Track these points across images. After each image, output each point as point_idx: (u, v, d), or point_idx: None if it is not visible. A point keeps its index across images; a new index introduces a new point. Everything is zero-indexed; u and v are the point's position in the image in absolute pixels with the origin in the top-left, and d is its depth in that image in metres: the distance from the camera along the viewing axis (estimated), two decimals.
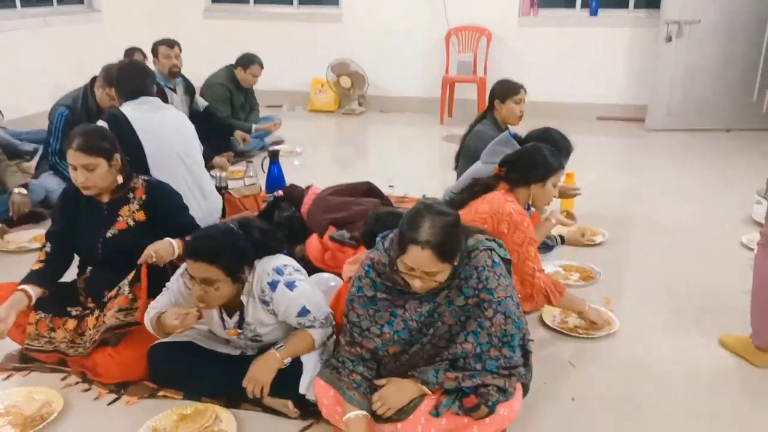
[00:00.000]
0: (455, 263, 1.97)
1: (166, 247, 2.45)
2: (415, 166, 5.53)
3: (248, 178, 4.29)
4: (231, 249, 2.12)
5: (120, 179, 2.58)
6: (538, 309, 2.88)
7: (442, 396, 2.04)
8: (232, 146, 5.31)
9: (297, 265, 2.33)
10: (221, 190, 3.95)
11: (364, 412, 2.01)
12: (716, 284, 3.23)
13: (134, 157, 2.67)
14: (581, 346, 2.72)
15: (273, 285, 2.20)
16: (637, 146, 6.17)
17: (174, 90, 4.90)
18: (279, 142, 5.94)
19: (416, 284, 1.95)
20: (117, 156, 2.54)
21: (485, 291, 2.00)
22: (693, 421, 2.27)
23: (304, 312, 2.22)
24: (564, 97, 6.88)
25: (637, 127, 6.54)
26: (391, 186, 4.68)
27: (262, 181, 4.43)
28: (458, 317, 2.04)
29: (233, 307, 2.27)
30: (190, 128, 3.30)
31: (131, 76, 3.15)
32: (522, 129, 3.67)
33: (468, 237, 2.07)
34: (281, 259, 2.29)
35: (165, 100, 4.70)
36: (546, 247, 3.37)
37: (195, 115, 5.13)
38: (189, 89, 5.08)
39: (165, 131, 3.13)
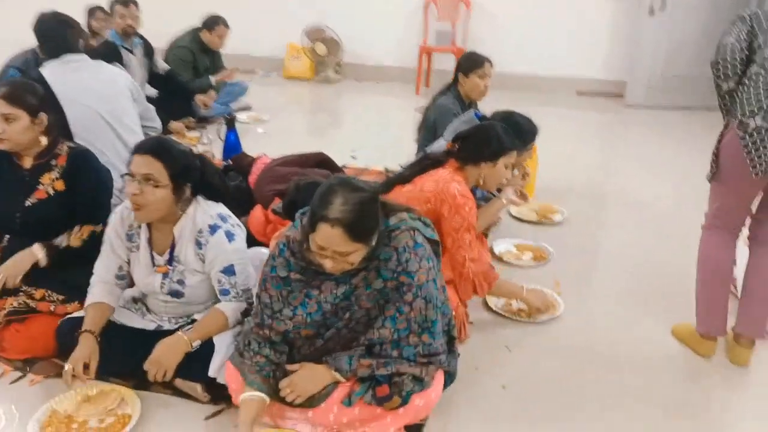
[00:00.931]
0: (372, 244, 1.83)
1: (21, 261, 2.33)
2: (384, 137, 5.37)
3: (201, 145, 4.12)
4: (179, 157, 2.04)
5: (44, 141, 2.43)
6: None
7: (356, 384, 1.92)
8: (194, 111, 5.12)
9: (239, 221, 2.24)
10: None
11: (260, 395, 1.89)
12: (674, 267, 3.09)
13: (55, 124, 2.49)
14: (522, 331, 2.60)
15: (213, 228, 2.10)
16: (615, 122, 6.02)
17: (131, 51, 4.69)
18: (246, 109, 5.77)
19: (327, 264, 1.81)
20: (43, 116, 2.39)
21: (405, 274, 1.87)
22: (628, 410, 2.16)
23: (229, 271, 2.12)
24: (544, 70, 6.71)
25: (617, 103, 6.38)
26: (353, 157, 4.53)
27: (219, 148, 4.26)
28: (376, 301, 1.91)
29: (164, 245, 2.15)
30: (121, 88, 3.06)
31: (52, 33, 2.92)
32: (490, 103, 3.53)
33: (390, 215, 1.93)
34: (225, 209, 2.20)
35: (120, 61, 4.53)
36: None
37: (155, 78, 4.96)
38: (148, 51, 4.87)
39: (88, 93, 2.90)
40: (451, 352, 2.06)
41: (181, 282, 2.16)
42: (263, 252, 2.75)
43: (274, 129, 5.34)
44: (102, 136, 2.85)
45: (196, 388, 2.07)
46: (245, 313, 2.17)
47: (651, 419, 2.14)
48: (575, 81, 6.71)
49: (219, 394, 2.08)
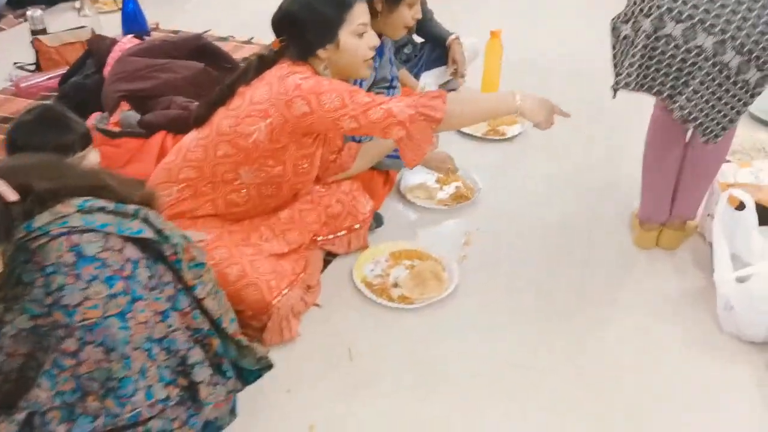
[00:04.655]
0: None
1: None
2: None
3: (84, 17, 3.28)
4: None
5: None
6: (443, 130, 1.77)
7: None
8: None
9: None
10: (35, 34, 3.02)
11: None
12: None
13: None
14: (389, 322, 1.81)
15: None
16: None
17: None
18: None
19: None
20: None
21: (59, 309, 1.12)
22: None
23: None
24: None
25: None
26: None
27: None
28: (33, 345, 1.18)
29: None
30: None
31: None
32: None
33: (37, 210, 1.15)
34: None
35: None
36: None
37: None
38: None
39: None
40: (197, 402, 1.34)
41: None
42: None
43: None
44: None
45: None
46: None
47: None
48: None
49: None
